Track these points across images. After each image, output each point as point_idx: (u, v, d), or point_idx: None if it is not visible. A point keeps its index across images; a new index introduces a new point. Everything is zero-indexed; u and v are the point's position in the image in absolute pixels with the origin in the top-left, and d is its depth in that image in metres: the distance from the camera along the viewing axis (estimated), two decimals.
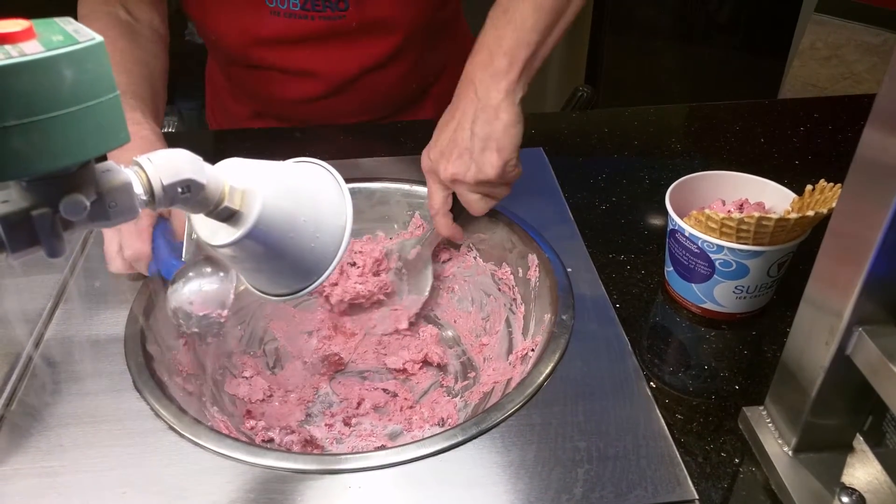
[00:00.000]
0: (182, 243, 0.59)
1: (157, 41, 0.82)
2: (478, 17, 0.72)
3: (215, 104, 1.11)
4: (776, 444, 0.51)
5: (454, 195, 0.71)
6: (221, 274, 0.62)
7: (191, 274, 0.62)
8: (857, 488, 0.47)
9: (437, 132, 0.69)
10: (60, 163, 0.30)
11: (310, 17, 0.87)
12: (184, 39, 1.88)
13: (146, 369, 0.59)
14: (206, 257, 0.62)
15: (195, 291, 0.61)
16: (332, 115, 0.98)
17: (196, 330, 0.63)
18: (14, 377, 0.58)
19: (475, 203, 0.69)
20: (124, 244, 0.63)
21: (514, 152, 0.66)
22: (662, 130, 0.97)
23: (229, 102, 1.06)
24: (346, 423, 0.69)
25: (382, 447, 0.63)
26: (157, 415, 0.55)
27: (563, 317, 0.63)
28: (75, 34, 0.29)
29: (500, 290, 0.77)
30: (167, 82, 0.81)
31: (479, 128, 0.64)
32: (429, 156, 0.69)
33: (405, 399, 0.71)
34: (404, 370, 0.74)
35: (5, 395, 0.57)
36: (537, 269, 0.71)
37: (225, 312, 0.63)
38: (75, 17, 0.33)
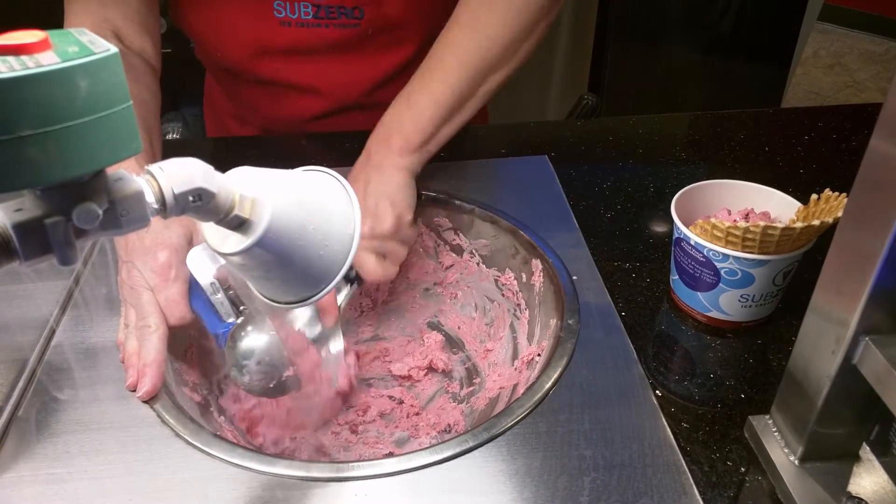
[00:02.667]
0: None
1: (149, 73, 0.79)
2: None
3: (214, 124, 1.09)
4: (782, 453, 0.51)
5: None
6: (272, 333, 0.61)
7: (242, 342, 0.61)
8: (863, 497, 0.47)
9: None
10: (74, 172, 0.30)
11: (323, 26, 0.86)
12: (188, 45, 1.89)
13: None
14: (249, 316, 0.61)
15: (249, 359, 0.61)
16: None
17: (262, 391, 0.63)
18: (21, 384, 0.58)
19: (369, 264, 0.66)
20: (167, 311, 0.59)
21: (408, 209, 0.68)
22: (667, 139, 0.97)
23: (230, 122, 1.05)
24: (353, 431, 0.69)
25: (390, 454, 0.63)
26: (164, 422, 0.55)
27: (569, 322, 0.63)
28: (90, 45, 0.30)
29: (503, 295, 0.77)
30: (160, 112, 0.79)
31: (373, 186, 0.67)
32: None
33: (411, 406, 0.71)
34: (409, 377, 0.74)
35: (12, 401, 0.57)
36: (541, 274, 0.71)
37: (287, 372, 0.62)
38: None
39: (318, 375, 0.67)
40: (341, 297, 0.68)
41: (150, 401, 0.57)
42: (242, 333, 0.62)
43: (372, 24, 0.87)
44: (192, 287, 0.61)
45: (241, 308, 0.61)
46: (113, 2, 0.76)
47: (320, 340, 0.67)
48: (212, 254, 0.55)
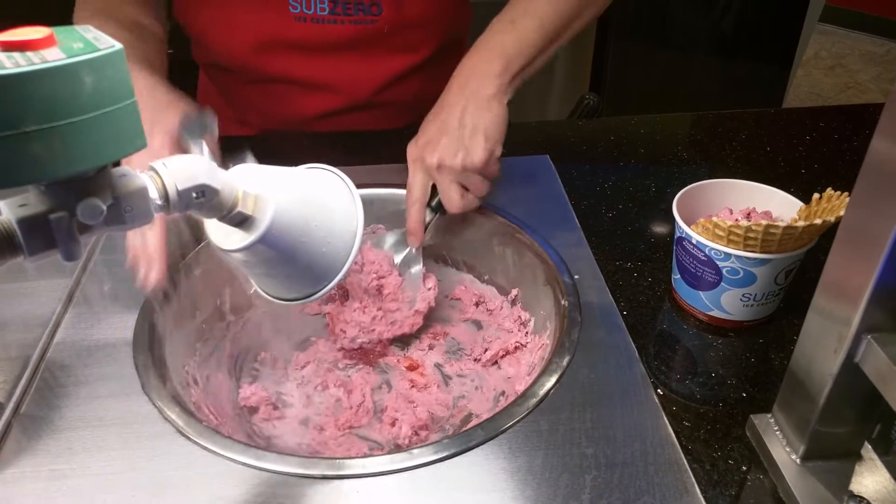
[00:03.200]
0: None
1: (155, 37, 0.80)
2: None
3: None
4: (784, 452, 0.51)
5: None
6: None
7: None
8: (865, 496, 0.47)
9: (424, 124, 0.70)
10: (78, 167, 0.30)
11: (339, 22, 0.86)
12: (186, 47, 1.89)
13: (155, 373, 0.59)
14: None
15: None
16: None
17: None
18: (24, 380, 0.58)
19: (455, 197, 0.68)
20: None
21: (499, 142, 0.69)
22: (668, 139, 0.97)
23: (228, 126, 1.03)
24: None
25: (389, 452, 0.63)
26: (166, 418, 0.55)
27: (570, 323, 0.63)
28: (95, 41, 0.30)
29: (505, 297, 0.77)
30: (166, 72, 0.79)
31: (470, 116, 0.67)
32: (416, 144, 0.69)
33: (412, 403, 0.71)
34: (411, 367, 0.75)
35: (15, 398, 0.57)
36: (544, 275, 0.71)
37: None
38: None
39: (400, 296, 0.74)
40: (427, 223, 0.72)
41: (151, 399, 0.57)
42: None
43: (388, 22, 0.87)
44: None
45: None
46: None
47: (405, 263, 0.75)
48: (204, 120, 0.60)
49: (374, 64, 0.92)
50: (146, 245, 0.60)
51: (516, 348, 0.72)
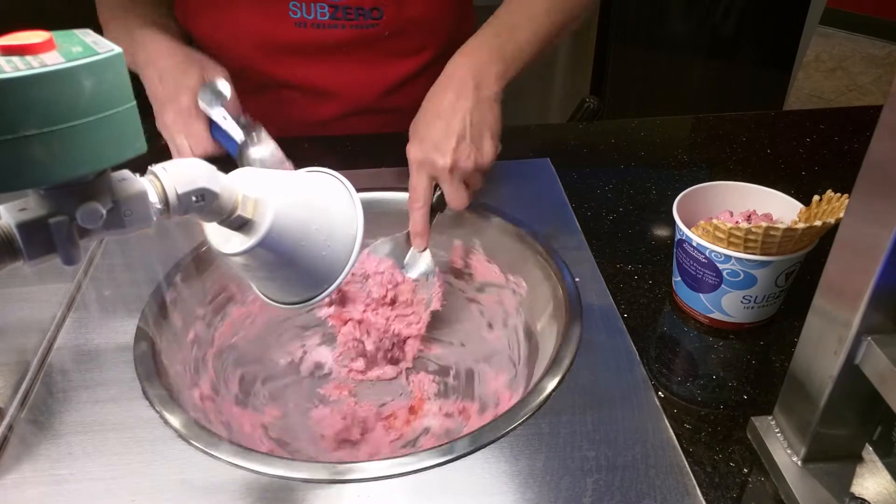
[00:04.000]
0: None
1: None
2: None
3: None
4: (785, 454, 0.51)
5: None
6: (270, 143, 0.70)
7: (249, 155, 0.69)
8: (866, 498, 0.47)
9: (422, 126, 0.69)
10: (78, 171, 0.30)
11: (339, 27, 0.86)
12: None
13: (155, 378, 0.59)
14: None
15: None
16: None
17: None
18: (24, 385, 0.58)
19: (460, 195, 0.69)
20: (193, 146, 0.71)
21: (499, 142, 0.71)
22: (669, 141, 0.97)
23: None
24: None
25: (391, 456, 0.63)
26: (167, 423, 0.55)
27: (571, 326, 0.63)
28: (94, 45, 0.30)
29: (505, 298, 0.77)
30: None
31: (477, 117, 0.68)
32: (420, 146, 0.68)
33: (413, 408, 0.71)
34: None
35: (16, 402, 0.57)
36: (544, 277, 0.71)
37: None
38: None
39: (415, 299, 0.74)
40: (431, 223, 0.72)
41: (151, 404, 0.57)
42: (249, 148, 0.69)
43: (389, 26, 0.87)
44: (213, 121, 0.71)
45: (252, 129, 0.70)
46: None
47: (411, 265, 0.75)
48: (216, 88, 0.70)
49: (376, 69, 0.92)
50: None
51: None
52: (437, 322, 0.79)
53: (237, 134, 0.69)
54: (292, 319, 0.79)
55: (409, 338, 0.76)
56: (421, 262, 0.75)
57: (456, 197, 0.69)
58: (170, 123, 0.71)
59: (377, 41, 0.88)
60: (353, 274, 0.75)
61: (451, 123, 0.67)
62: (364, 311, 0.74)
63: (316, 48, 0.88)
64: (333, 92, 0.92)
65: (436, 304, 0.75)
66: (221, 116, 0.70)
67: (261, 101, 0.95)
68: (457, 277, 0.81)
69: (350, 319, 0.74)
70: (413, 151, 0.69)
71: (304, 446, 0.67)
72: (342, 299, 0.76)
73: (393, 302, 0.75)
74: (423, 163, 0.68)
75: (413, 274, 0.74)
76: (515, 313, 0.75)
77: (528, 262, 0.74)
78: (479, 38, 0.72)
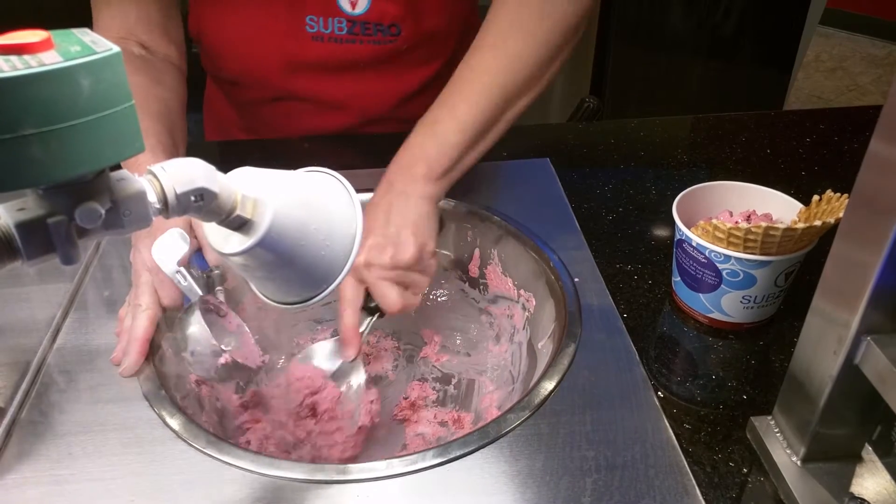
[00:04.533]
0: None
1: (172, 72, 0.80)
2: None
3: (217, 134, 1.06)
4: (784, 454, 0.51)
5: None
6: (199, 323, 0.60)
7: (179, 330, 0.61)
8: (865, 498, 0.47)
9: None
10: (76, 171, 0.30)
11: (357, 42, 0.85)
12: (190, 51, 1.90)
13: (155, 378, 0.59)
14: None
15: (185, 347, 0.60)
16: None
17: (207, 376, 0.63)
18: (24, 385, 0.58)
19: (391, 295, 0.64)
20: (161, 295, 0.62)
21: (430, 239, 0.66)
22: (668, 141, 0.97)
23: (237, 133, 1.03)
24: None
25: (391, 457, 0.63)
26: (166, 424, 0.55)
27: (571, 326, 0.63)
28: (93, 45, 0.30)
29: (516, 312, 0.77)
30: (185, 111, 0.79)
31: (395, 214, 0.65)
32: None
33: (412, 409, 0.71)
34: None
35: (16, 402, 0.57)
36: (544, 278, 0.71)
37: (221, 360, 0.61)
38: None
39: (339, 412, 0.66)
40: (363, 329, 0.66)
41: (151, 404, 0.57)
42: (181, 321, 0.61)
43: (408, 41, 0.86)
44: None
45: (217, 289, 0.64)
46: (136, 18, 0.78)
47: (340, 375, 0.67)
48: (176, 238, 0.59)
49: (391, 81, 0.91)
50: (134, 329, 0.60)
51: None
52: (447, 329, 0.79)
53: (196, 294, 0.62)
54: (304, 313, 0.78)
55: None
56: (350, 370, 0.67)
57: (381, 295, 0.64)
58: (138, 260, 0.63)
59: (394, 56, 0.88)
60: (276, 381, 0.69)
61: (369, 225, 0.64)
62: (284, 419, 0.66)
63: (333, 63, 0.87)
64: (346, 105, 0.92)
65: (365, 419, 0.66)
66: (179, 273, 0.60)
67: (273, 112, 0.94)
68: (471, 286, 0.80)
69: (261, 420, 0.67)
70: None
71: (280, 416, 0.66)
72: (256, 403, 0.69)
73: (313, 410, 0.66)
74: None
75: (340, 383, 0.67)
76: (522, 329, 0.74)
77: (539, 280, 0.73)
78: (408, 139, 0.69)
